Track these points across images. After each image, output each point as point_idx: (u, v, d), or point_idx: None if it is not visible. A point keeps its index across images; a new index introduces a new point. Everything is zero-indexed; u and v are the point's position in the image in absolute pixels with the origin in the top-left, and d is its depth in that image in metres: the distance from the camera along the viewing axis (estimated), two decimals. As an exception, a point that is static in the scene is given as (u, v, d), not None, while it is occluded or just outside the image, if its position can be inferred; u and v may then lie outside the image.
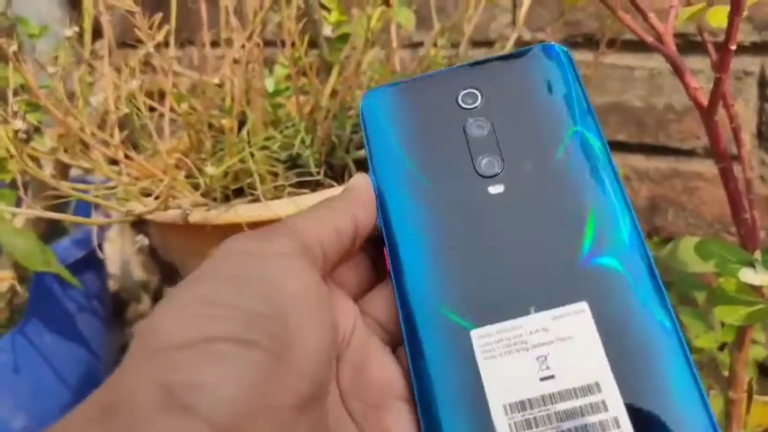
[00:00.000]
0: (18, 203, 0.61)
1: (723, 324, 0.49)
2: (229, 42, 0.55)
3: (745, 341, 0.41)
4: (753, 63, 0.64)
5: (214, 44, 0.60)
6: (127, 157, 0.53)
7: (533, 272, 0.24)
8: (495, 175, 0.26)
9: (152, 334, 0.21)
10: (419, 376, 0.24)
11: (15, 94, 0.50)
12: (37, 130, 0.63)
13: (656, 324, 0.23)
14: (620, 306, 0.23)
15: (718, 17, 0.36)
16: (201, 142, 0.56)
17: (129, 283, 0.99)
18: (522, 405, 0.22)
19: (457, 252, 0.25)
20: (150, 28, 0.51)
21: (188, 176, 0.54)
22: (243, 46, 0.51)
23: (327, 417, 0.23)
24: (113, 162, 0.55)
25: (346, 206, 0.27)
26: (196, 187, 0.51)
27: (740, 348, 0.41)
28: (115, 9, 0.55)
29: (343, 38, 0.63)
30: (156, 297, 1.02)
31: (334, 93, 0.57)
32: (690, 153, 0.69)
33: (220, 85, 0.54)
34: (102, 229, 0.75)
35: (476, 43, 0.72)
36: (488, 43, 0.74)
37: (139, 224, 0.85)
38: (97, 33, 0.56)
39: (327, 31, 0.64)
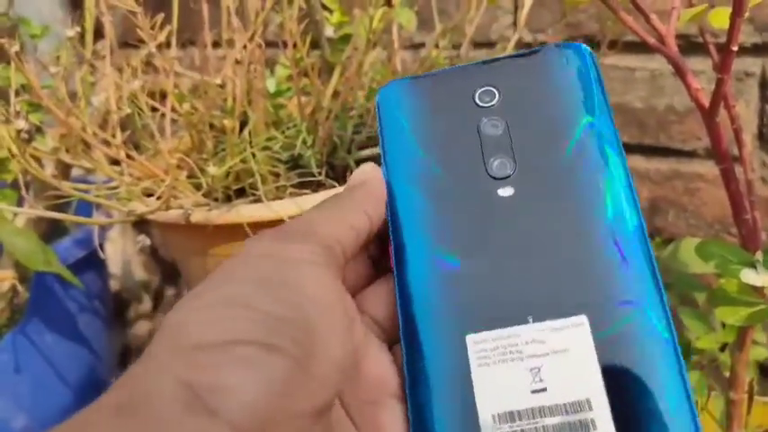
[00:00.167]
0: (19, 203, 0.61)
1: (724, 325, 0.49)
2: (231, 43, 0.55)
3: (746, 342, 0.41)
4: (754, 64, 0.64)
5: (215, 45, 0.60)
6: (128, 157, 0.53)
7: (535, 281, 0.24)
8: (505, 178, 0.26)
9: (179, 332, 0.21)
10: (412, 377, 0.24)
11: (17, 94, 0.50)
12: (38, 130, 0.63)
13: (656, 346, 0.22)
14: (620, 325, 0.22)
15: (719, 18, 0.36)
16: (203, 142, 0.56)
17: (130, 284, 0.99)
18: (510, 416, 0.22)
19: (462, 253, 0.25)
20: (152, 28, 0.51)
21: (190, 176, 0.54)
22: (244, 46, 0.51)
23: (332, 418, 0.23)
24: (115, 162, 0.55)
25: (361, 203, 0.26)
26: (198, 187, 0.51)
27: (741, 349, 0.41)
28: (117, 9, 0.55)
29: (345, 39, 0.63)
30: (157, 297, 1.02)
31: (335, 93, 0.57)
32: (691, 154, 0.69)
33: (222, 86, 0.54)
34: (104, 228, 0.75)
35: (477, 44, 0.72)
36: (490, 44, 0.74)
37: (141, 224, 0.85)
38: (99, 34, 0.56)
39: (329, 31, 0.64)
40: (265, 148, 0.52)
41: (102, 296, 0.79)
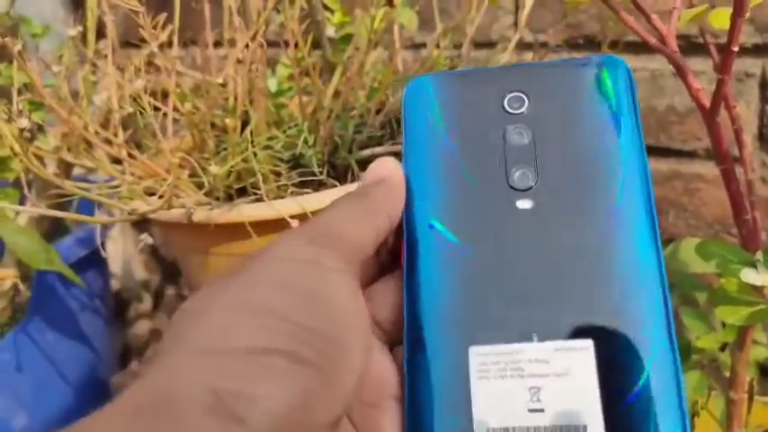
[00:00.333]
0: (21, 202, 0.61)
1: (724, 324, 0.49)
2: (232, 42, 0.56)
3: (747, 341, 0.41)
4: (754, 65, 0.64)
5: (217, 44, 0.60)
6: (130, 156, 0.53)
7: (544, 299, 0.23)
8: (526, 190, 0.25)
9: (205, 334, 0.21)
10: (411, 382, 0.23)
11: (20, 93, 0.50)
12: (40, 129, 0.63)
13: (660, 385, 0.22)
14: (626, 354, 0.22)
15: (720, 19, 0.36)
16: (205, 142, 0.56)
17: (130, 283, 0.99)
18: (505, 431, 0.22)
19: (473, 262, 0.24)
20: (154, 27, 0.52)
21: (191, 176, 0.54)
22: (246, 46, 0.51)
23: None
24: (117, 161, 0.55)
25: (384, 204, 0.26)
26: (199, 186, 0.51)
27: (741, 349, 0.41)
28: (118, 8, 0.55)
29: (346, 38, 0.63)
30: (158, 296, 1.02)
31: (336, 93, 0.57)
32: (691, 154, 0.70)
33: (224, 85, 0.54)
34: (105, 227, 0.75)
35: (478, 44, 0.72)
36: (490, 44, 0.75)
37: (142, 223, 0.85)
38: (100, 33, 0.56)
39: (330, 31, 0.64)
40: (267, 148, 0.52)
41: (103, 295, 0.79)
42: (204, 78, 0.57)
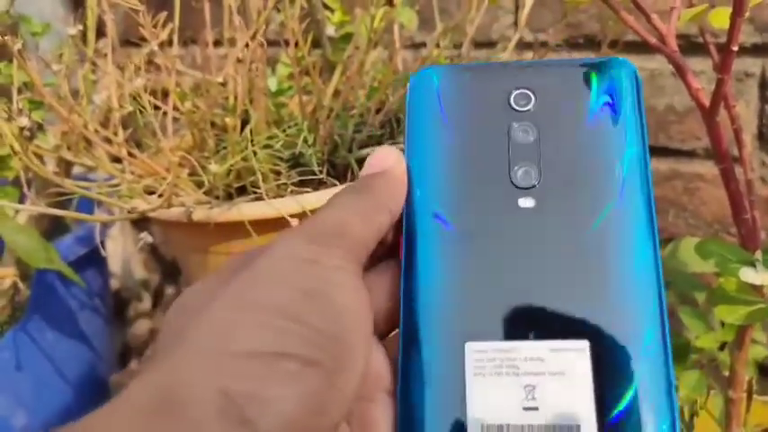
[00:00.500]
0: (21, 201, 0.61)
1: (723, 324, 0.49)
2: (233, 42, 0.56)
3: (745, 341, 0.41)
4: (754, 64, 0.64)
5: (217, 44, 0.60)
6: (130, 154, 0.53)
7: (542, 298, 0.23)
8: (528, 188, 0.25)
9: (210, 334, 0.20)
10: (405, 377, 0.23)
11: (19, 91, 0.50)
12: (40, 127, 0.63)
13: (653, 389, 0.22)
14: (621, 357, 0.22)
15: (720, 18, 0.36)
16: (205, 141, 0.56)
17: (130, 282, 0.99)
18: (499, 429, 0.22)
19: (472, 259, 0.24)
20: (154, 26, 0.52)
21: (191, 174, 0.54)
22: (246, 45, 0.51)
23: None
24: (116, 160, 0.55)
25: (386, 197, 0.25)
26: (199, 185, 0.52)
27: (740, 348, 0.41)
28: (119, 7, 0.55)
29: (346, 38, 0.63)
30: (157, 295, 1.02)
31: (336, 92, 0.57)
32: (690, 154, 0.70)
33: (224, 84, 0.54)
34: (105, 226, 0.75)
35: (478, 44, 0.72)
36: (490, 44, 0.75)
37: (141, 223, 0.85)
38: (100, 32, 0.56)
39: (330, 30, 0.64)
40: (266, 147, 0.52)
41: (102, 294, 0.79)
42: (204, 77, 0.57)
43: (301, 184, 0.51)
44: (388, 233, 0.26)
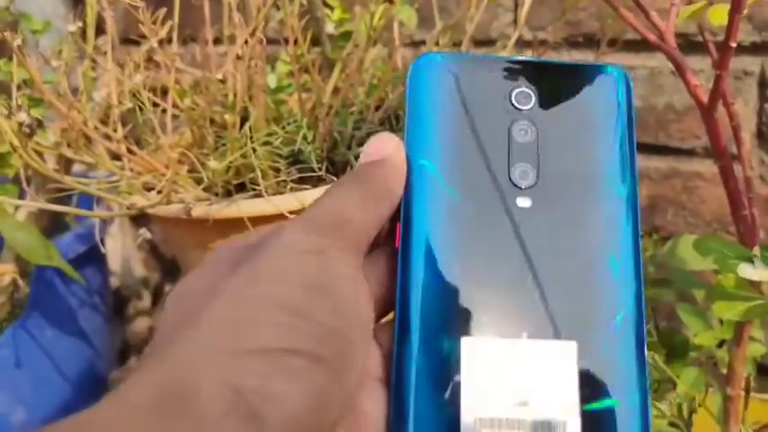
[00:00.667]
0: (20, 198, 0.61)
1: (722, 321, 0.50)
2: (232, 39, 0.56)
3: (744, 338, 0.41)
4: (753, 63, 0.65)
5: (217, 41, 0.60)
6: (130, 151, 0.53)
7: (536, 298, 0.24)
8: (526, 188, 0.25)
9: (216, 329, 0.20)
10: (399, 368, 0.23)
11: (19, 88, 0.50)
12: (40, 124, 0.63)
13: (626, 394, 0.23)
14: (605, 360, 0.23)
15: (718, 15, 0.36)
16: (204, 138, 0.56)
17: (129, 280, 1.00)
18: (491, 422, 0.22)
19: (469, 254, 0.24)
20: (154, 23, 0.52)
21: (190, 171, 0.54)
22: (245, 42, 0.51)
23: None
24: (116, 158, 0.55)
25: (386, 186, 0.25)
26: (198, 182, 0.52)
27: (738, 345, 0.42)
28: (118, 4, 0.55)
29: (346, 35, 0.63)
30: (157, 294, 1.02)
31: (336, 90, 0.57)
32: (690, 153, 0.70)
33: (223, 81, 0.54)
34: (105, 223, 0.75)
35: (477, 42, 0.72)
36: (490, 42, 0.75)
37: (141, 221, 0.85)
38: (100, 30, 0.56)
39: (330, 28, 0.64)
40: (266, 144, 0.52)
41: (102, 291, 0.79)
42: (204, 75, 0.57)
43: (300, 181, 0.51)
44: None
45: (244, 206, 0.49)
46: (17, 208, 0.66)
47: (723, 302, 0.37)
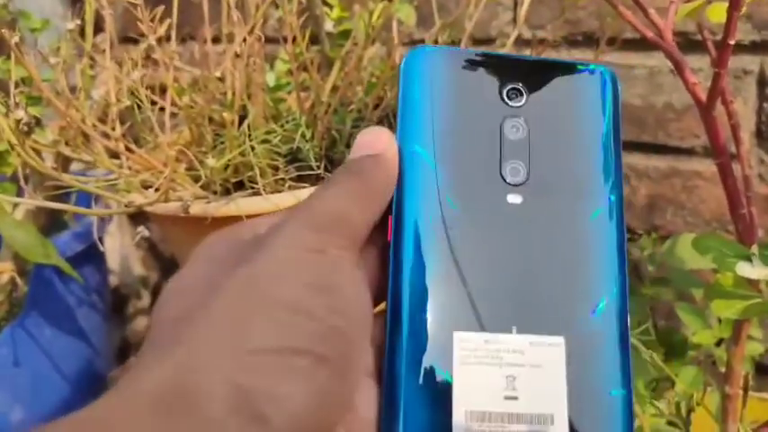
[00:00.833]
0: (18, 196, 0.61)
1: (720, 320, 0.50)
2: (231, 37, 0.56)
3: (742, 336, 0.41)
4: (752, 62, 0.64)
5: (215, 40, 0.60)
6: (128, 149, 0.53)
7: (525, 293, 0.25)
8: (517, 185, 0.26)
9: (219, 328, 0.20)
10: (392, 363, 0.24)
11: (17, 86, 0.50)
12: (38, 123, 0.63)
13: (611, 386, 0.24)
14: (590, 358, 0.24)
15: (717, 13, 0.36)
16: (202, 136, 0.56)
17: (128, 279, 0.99)
18: (482, 416, 0.23)
19: (460, 249, 0.25)
20: (152, 21, 0.52)
21: (189, 169, 0.54)
22: (244, 40, 0.51)
23: None
24: (114, 156, 0.55)
25: (380, 182, 0.25)
26: (197, 180, 0.51)
27: (737, 343, 0.42)
28: (117, 3, 0.55)
29: (345, 34, 0.63)
30: (156, 293, 1.02)
31: (334, 88, 0.57)
32: (689, 152, 0.70)
33: (221, 79, 0.54)
34: (103, 221, 0.75)
35: (476, 41, 0.72)
36: (489, 41, 0.75)
37: (139, 220, 0.85)
38: (99, 28, 0.56)
39: (329, 26, 0.64)
40: (264, 142, 0.52)
41: (100, 290, 0.79)
42: (202, 73, 0.57)
43: (299, 179, 0.51)
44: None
45: (242, 204, 0.49)
46: (15, 206, 0.66)
47: (721, 301, 0.37)
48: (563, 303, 0.25)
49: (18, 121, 0.44)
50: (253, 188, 0.51)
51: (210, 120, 0.57)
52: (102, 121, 0.55)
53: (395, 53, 0.62)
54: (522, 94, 0.27)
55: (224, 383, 0.19)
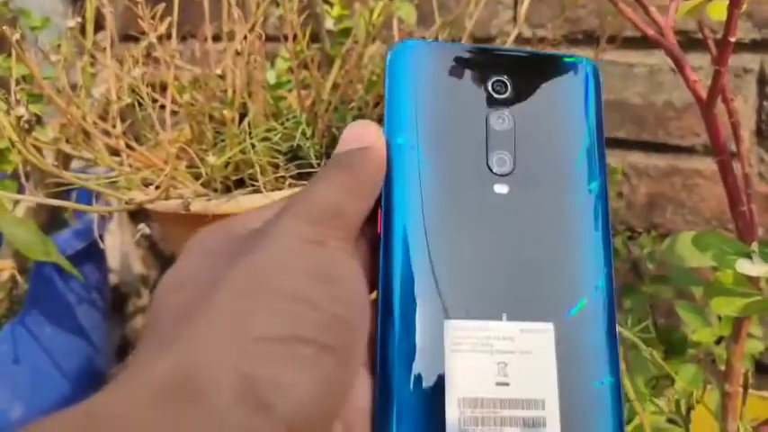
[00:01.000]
0: (19, 193, 0.61)
1: (720, 318, 0.50)
2: (231, 35, 0.56)
3: (742, 334, 0.41)
4: (752, 60, 0.65)
5: (216, 38, 0.60)
6: (129, 147, 0.53)
7: (514, 281, 0.25)
8: (503, 175, 0.26)
9: (222, 319, 0.20)
10: (385, 352, 0.24)
11: (18, 83, 0.50)
12: (39, 120, 0.63)
13: (599, 372, 0.24)
14: (578, 343, 0.25)
15: (717, 11, 0.37)
16: (203, 133, 0.56)
17: (128, 277, 1.00)
18: (474, 402, 0.23)
19: (449, 239, 0.25)
20: (153, 19, 0.52)
21: (189, 167, 0.54)
22: (245, 38, 0.51)
23: None
24: (115, 154, 0.55)
25: (371, 174, 0.25)
26: (197, 178, 0.51)
27: (737, 341, 0.42)
28: (118, 1, 0.55)
29: (345, 32, 0.63)
30: (156, 291, 1.02)
31: (335, 86, 0.57)
32: (689, 150, 0.70)
33: (222, 77, 0.54)
34: (104, 219, 0.75)
35: (477, 39, 0.72)
36: (489, 39, 0.75)
37: (140, 218, 0.85)
38: (99, 26, 0.56)
39: (329, 24, 0.64)
40: (265, 140, 0.52)
41: (100, 288, 0.79)
42: (203, 71, 0.57)
43: (299, 176, 0.51)
44: None
45: (242, 202, 0.49)
46: (16, 203, 0.66)
47: (721, 299, 0.37)
48: (552, 290, 0.25)
49: (19, 119, 0.44)
50: (253, 186, 0.51)
51: (211, 117, 0.57)
52: (103, 118, 0.55)
53: (395, 51, 0.62)
54: (507, 87, 0.27)
55: (230, 372, 0.19)
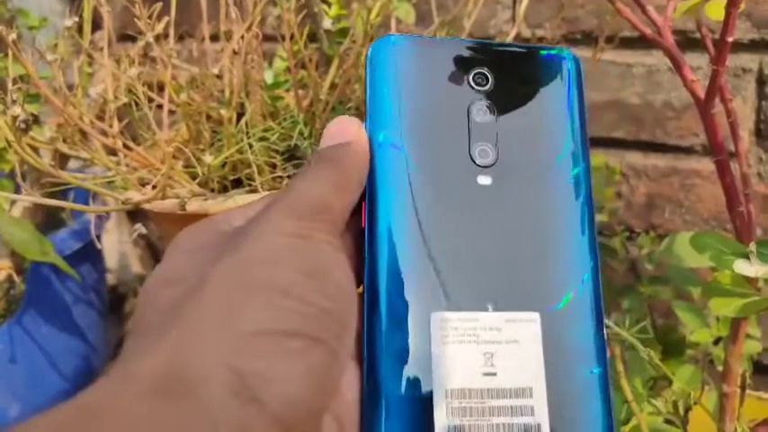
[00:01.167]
0: (16, 193, 0.61)
1: (718, 319, 0.49)
2: (229, 35, 0.55)
3: (740, 335, 0.41)
4: (751, 60, 0.64)
5: (213, 38, 0.60)
6: (126, 147, 0.53)
7: (499, 271, 0.25)
8: (486, 167, 0.26)
9: (212, 313, 0.20)
10: (372, 345, 0.24)
11: (14, 83, 0.50)
12: (36, 120, 0.63)
13: (586, 363, 0.25)
14: (566, 333, 0.25)
15: (715, 10, 0.36)
16: (200, 133, 0.56)
17: (126, 277, 0.99)
18: (462, 393, 0.23)
19: (433, 232, 0.25)
20: (150, 19, 0.51)
21: (186, 167, 0.54)
22: (242, 37, 0.51)
23: None
24: (112, 154, 0.55)
25: (355, 170, 0.25)
26: (194, 177, 0.51)
27: (735, 342, 0.41)
28: (115, 1, 0.55)
29: (343, 31, 0.63)
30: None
31: (332, 86, 0.57)
32: (687, 150, 0.70)
33: (219, 77, 0.54)
34: (101, 219, 0.75)
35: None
36: (488, 39, 0.74)
37: (137, 218, 0.85)
38: (97, 26, 0.56)
39: (327, 24, 0.64)
40: (262, 139, 0.52)
41: (97, 288, 0.79)
42: (200, 70, 0.57)
43: (297, 176, 0.51)
44: None
45: (239, 201, 0.49)
46: (13, 203, 0.66)
47: (719, 299, 0.37)
48: (537, 280, 0.25)
49: (15, 119, 0.44)
50: (250, 186, 0.51)
51: (208, 117, 0.56)
52: (100, 118, 0.55)
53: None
54: (488, 79, 0.28)
55: (220, 366, 0.19)
